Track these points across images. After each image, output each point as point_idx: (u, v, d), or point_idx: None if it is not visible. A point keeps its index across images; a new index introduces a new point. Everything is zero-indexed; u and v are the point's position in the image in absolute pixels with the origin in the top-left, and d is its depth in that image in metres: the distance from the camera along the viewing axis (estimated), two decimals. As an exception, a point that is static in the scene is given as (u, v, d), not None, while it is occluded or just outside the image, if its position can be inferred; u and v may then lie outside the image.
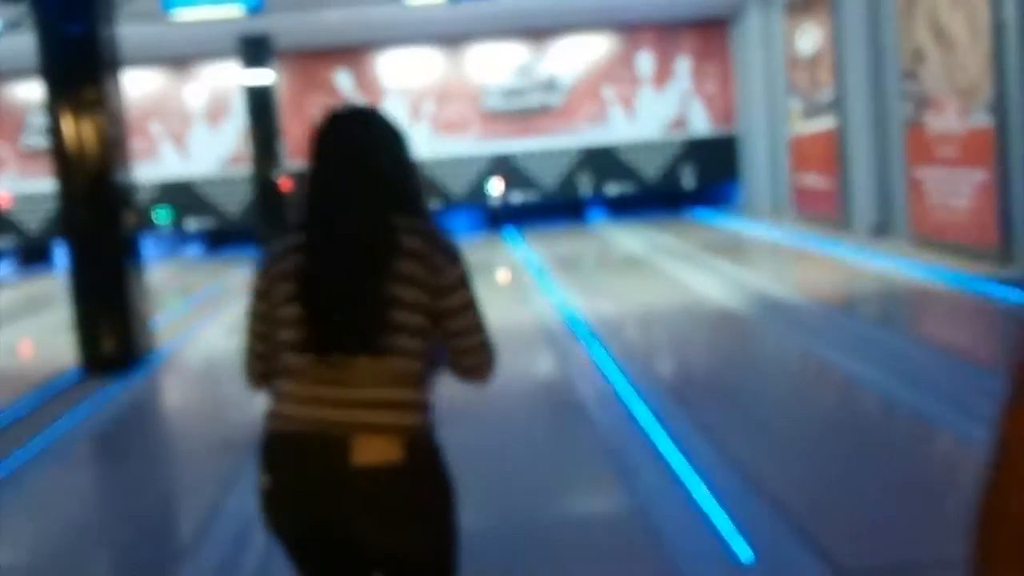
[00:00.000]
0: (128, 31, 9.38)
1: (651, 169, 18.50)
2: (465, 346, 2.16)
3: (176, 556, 4.32)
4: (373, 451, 2.03)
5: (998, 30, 9.40)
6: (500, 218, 18.27)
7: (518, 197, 18.36)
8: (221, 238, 18.48)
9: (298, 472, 2.08)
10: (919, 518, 4.02)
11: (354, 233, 2.10)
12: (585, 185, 18.48)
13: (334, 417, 2.06)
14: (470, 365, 2.19)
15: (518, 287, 11.41)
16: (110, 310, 8.23)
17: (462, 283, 2.14)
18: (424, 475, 2.11)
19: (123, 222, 8.37)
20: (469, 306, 2.15)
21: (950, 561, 3.61)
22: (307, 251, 2.13)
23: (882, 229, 12.37)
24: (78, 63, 8.14)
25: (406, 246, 2.08)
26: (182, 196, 18.28)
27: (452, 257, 2.13)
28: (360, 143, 2.18)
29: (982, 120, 9.85)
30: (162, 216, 18.15)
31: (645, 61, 18.45)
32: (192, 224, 18.46)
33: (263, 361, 2.21)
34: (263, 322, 2.19)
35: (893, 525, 3.97)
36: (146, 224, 16.99)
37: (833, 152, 13.69)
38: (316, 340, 2.07)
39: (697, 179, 18.57)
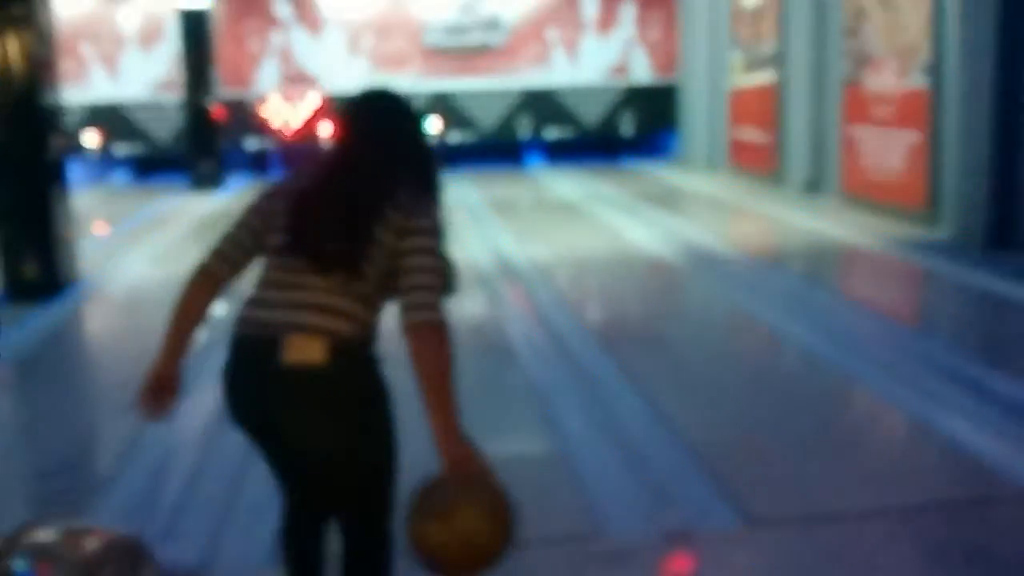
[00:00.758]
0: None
1: (591, 115, 18.46)
2: (411, 283, 2.30)
3: (94, 487, 4.27)
4: (299, 351, 2.26)
5: (938, -7, 9.49)
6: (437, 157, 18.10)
7: (456, 137, 18.22)
8: (150, 165, 18.07)
9: (241, 369, 2.36)
10: (832, 471, 4.12)
11: (365, 189, 2.38)
12: (524, 128, 18.39)
13: (274, 318, 2.31)
14: (414, 304, 2.28)
15: (451, 228, 11.35)
16: (34, 235, 8.03)
17: (426, 232, 2.36)
18: (347, 380, 2.30)
19: (49, 145, 8.14)
20: (425, 251, 2.33)
21: (860, 513, 3.71)
22: (321, 185, 2.41)
23: (815, 186, 12.52)
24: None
25: (399, 200, 2.37)
26: (111, 120, 17.80)
27: (427, 211, 2.41)
28: (385, 127, 2.49)
29: (918, 82, 9.98)
30: (90, 141, 17.69)
31: (590, 5, 18.31)
32: (121, 149, 18.01)
33: (222, 263, 2.45)
34: (247, 232, 2.44)
35: (806, 476, 4.07)
36: (73, 148, 16.55)
37: (771, 106, 13.78)
38: (298, 246, 2.34)
39: (636, 127, 18.59)
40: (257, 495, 3.95)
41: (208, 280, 2.47)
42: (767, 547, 3.47)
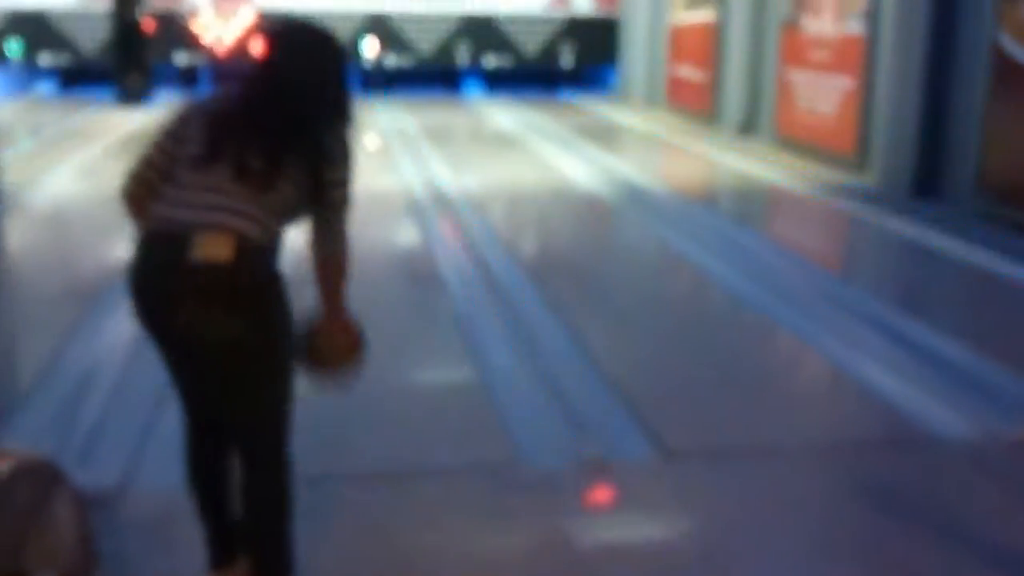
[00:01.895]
0: None
1: (530, 45, 18.30)
2: (324, 213, 2.53)
3: (12, 405, 4.20)
4: (208, 248, 2.36)
5: (879, -61, 9.53)
6: (373, 81, 17.85)
7: (392, 61, 17.95)
8: (76, 76, 17.53)
9: (149, 264, 2.44)
10: (747, 408, 4.22)
11: (287, 111, 2.49)
12: (463, 55, 18.18)
13: (186, 217, 2.40)
14: (324, 234, 2.54)
15: (386, 155, 11.25)
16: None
17: (341, 168, 2.54)
18: (250, 279, 2.41)
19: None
20: (339, 184, 2.53)
21: (772, 448, 3.82)
22: (245, 102, 2.51)
23: (749, 127, 12.62)
24: None
25: (322, 140, 2.52)
26: (35, 29, 17.18)
27: (345, 153, 2.56)
28: (306, 55, 2.57)
29: (855, 28, 10.05)
30: (13, 49, 17.08)
31: (534, -67, 18.05)
32: (46, 59, 17.43)
33: (144, 187, 2.52)
34: (161, 155, 2.51)
35: (721, 412, 4.16)
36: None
37: (710, 45, 13.79)
38: (218, 156, 2.42)
39: (575, 59, 18.49)
40: (175, 419, 3.93)
41: (132, 203, 2.56)
42: (681, 479, 3.56)
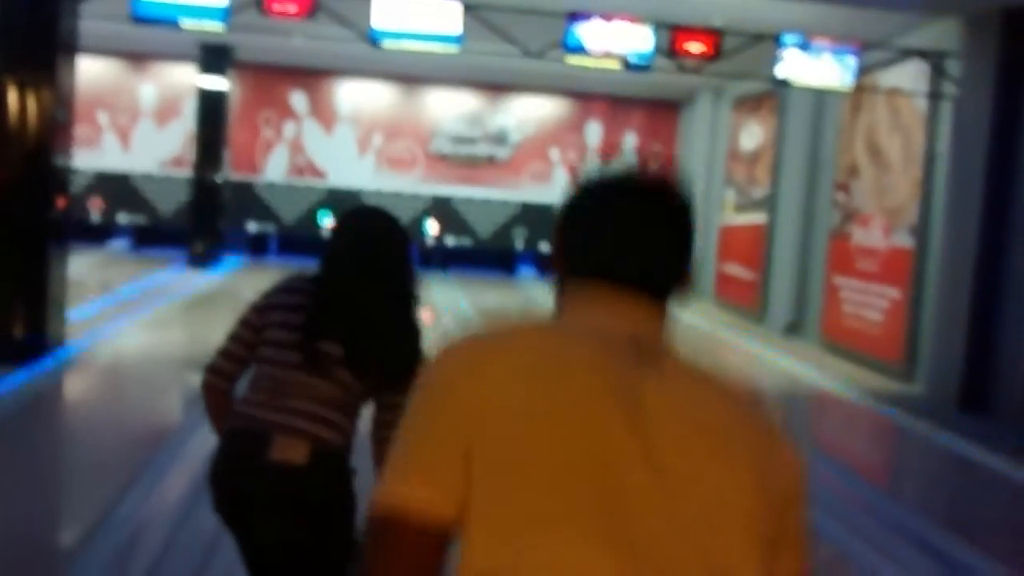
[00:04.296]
0: (91, 23, 9.37)
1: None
2: (388, 415, 2.57)
3: (63, 558, 4.31)
4: (285, 451, 2.49)
5: (930, 159, 9.88)
6: (433, 259, 18.41)
7: (453, 240, 18.53)
8: (150, 236, 18.25)
9: (229, 458, 2.57)
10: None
11: (360, 304, 2.62)
12: (519, 239, 18.73)
13: (266, 416, 2.53)
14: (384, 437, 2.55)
15: (438, 330, 11.52)
16: (27, 294, 8.11)
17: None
18: (323, 483, 2.53)
19: (54, 206, 8.27)
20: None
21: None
22: (319, 298, 2.63)
23: (795, 328, 12.77)
24: (35, 41, 8.09)
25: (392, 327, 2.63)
26: (117, 188, 18.06)
27: (413, 332, 2.67)
28: (374, 241, 2.71)
29: (904, 241, 10.30)
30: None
31: (594, 130, 18.85)
32: (123, 218, 18.23)
33: (230, 364, 2.67)
34: (239, 344, 2.67)
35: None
36: (76, 212, 16.74)
37: (759, 247, 14.12)
38: (309, 362, 2.54)
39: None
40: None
41: (214, 398, 2.71)
42: None
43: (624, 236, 1.35)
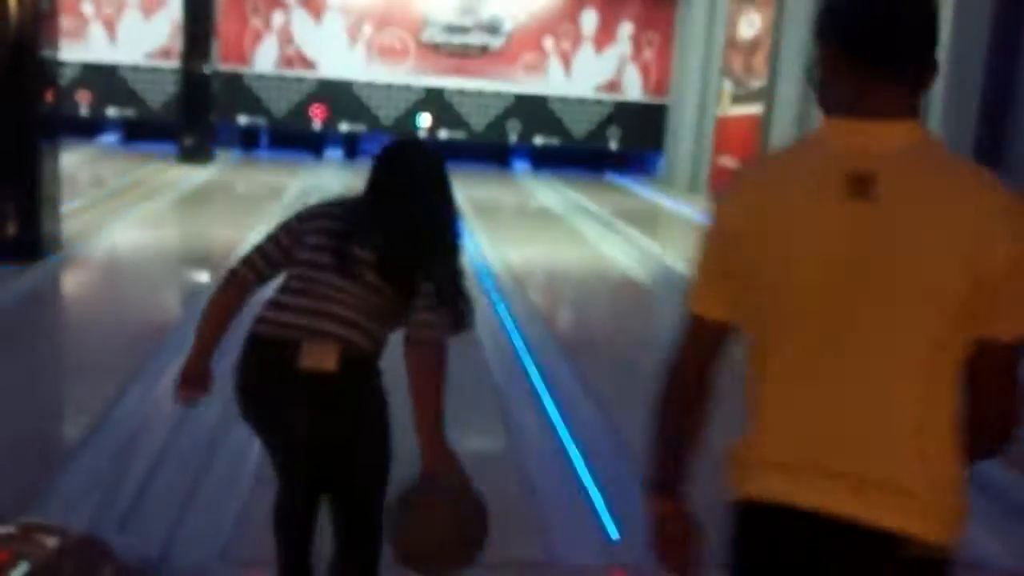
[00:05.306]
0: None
1: (580, 125, 18.66)
2: (422, 313, 2.54)
3: (64, 456, 4.37)
4: (314, 358, 2.48)
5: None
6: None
7: (446, 134, 18.36)
8: (140, 130, 18.06)
9: (256, 367, 2.57)
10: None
11: (400, 213, 2.65)
12: (513, 132, 18.56)
13: (296, 322, 2.52)
14: (421, 323, 2.53)
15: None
16: (20, 192, 8.04)
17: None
18: (355, 386, 2.55)
19: (43, 99, 8.12)
20: (437, 300, 2.56)
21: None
22: (366, 214, 2.65)
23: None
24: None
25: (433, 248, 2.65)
26: (105, 80, 17.79)
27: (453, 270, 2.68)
28: (417, 174, 2.75)
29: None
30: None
31: (589, 19, 18.51)
32: (112, 112, 18.00)
33: (251, 271, 2.67)
34: (275, 248, 2.67)
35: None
36: (64, 106, 16.52)
37: (755, 138, 14.02)
38: (340, 263, 2.56)
39: (622, 143, 18.81)
40: (217, 487, 4.08)
41: (237, 286, 2.68)
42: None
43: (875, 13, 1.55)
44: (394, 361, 2.60)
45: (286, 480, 2.81)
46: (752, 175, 1.77)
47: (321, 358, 2.49)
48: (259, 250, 2.71)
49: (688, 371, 1.82)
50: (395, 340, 2.65)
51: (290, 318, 2.54)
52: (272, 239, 2.71)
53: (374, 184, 2.72)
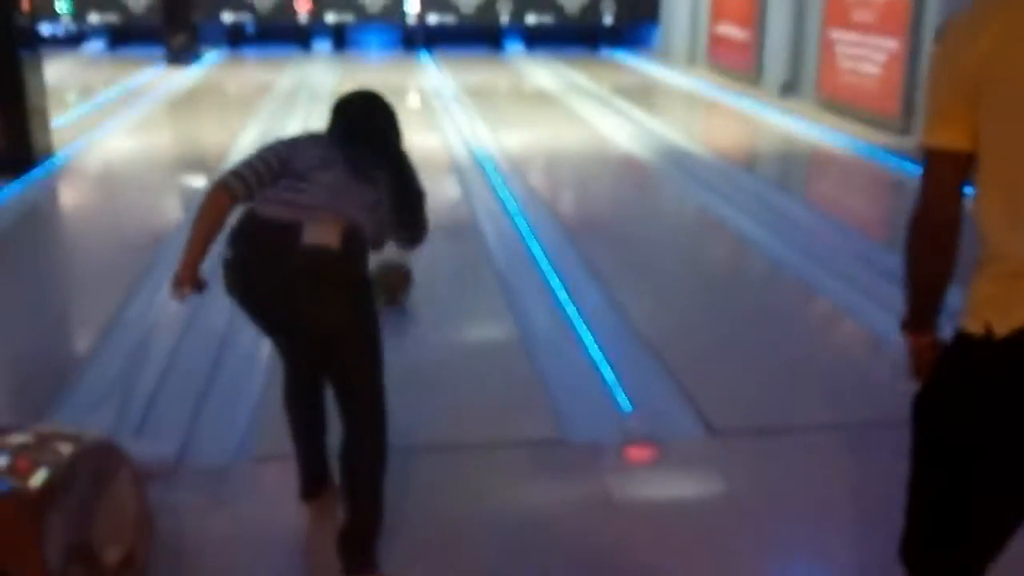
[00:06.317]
0: None
1: (573, 1, 18.21)
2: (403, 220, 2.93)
3: (75, 365, 4.38)
4: (318, 235, 2.61)
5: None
6: (415, 39, 17.89)
7: (435, 18, 17.95)
8: (124, 35, 17.70)
9: (257, 253, 2.67)
10: (789, 383, 4.29)
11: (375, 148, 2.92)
12: (504, 12, 18.13)
13: (296, 213, 2.65)
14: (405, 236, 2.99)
15: (428, 113, 11.34)
16: (5, 106, 7.92)
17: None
18: (358, 261, 2.73)
19: (18, 7, 7.92)
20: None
21: (813, 425, 3.89)
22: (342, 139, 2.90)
23: (791, 88, 12.54)
24: None
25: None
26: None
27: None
28: (372, 119, 2.99)
29: (900, -12, 9.94)
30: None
31: None
32: (95, 18, 17.61)
33: (240, 183, 2.70)
34: (265, 166, 2.74)
35: (764, 388, 4.23)
36: (45, 13, 16.18)
37: (752, 4, 13.67)
38: (352, 167, 2.76)
39: (617, 16, 18.38)
40: (229, 387, 4.10)
41: (226, 196, 2.70)
42: (725, 455, 3.66)
43: None
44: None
45: (287, 362, 3.04)
46: (996, 7, 1.76)
47: (324, 234, 2.62)
48: (248, 165, 2.75)
49: (933, 213, 1.87)
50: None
51: (289, 212, 2.66)
52: (262, 159, 2.77)
53: (344, 132, 2.91)
